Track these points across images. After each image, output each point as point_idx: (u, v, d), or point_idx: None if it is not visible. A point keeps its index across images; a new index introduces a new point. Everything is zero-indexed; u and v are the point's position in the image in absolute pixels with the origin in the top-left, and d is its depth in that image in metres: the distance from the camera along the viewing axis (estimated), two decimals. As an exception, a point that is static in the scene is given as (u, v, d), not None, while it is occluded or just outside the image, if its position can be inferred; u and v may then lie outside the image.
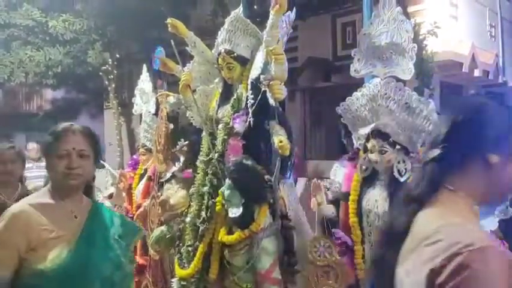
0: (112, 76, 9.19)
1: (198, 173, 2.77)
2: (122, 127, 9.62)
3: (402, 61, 2.16)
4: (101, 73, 9.25)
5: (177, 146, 3.17)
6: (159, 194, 3.11)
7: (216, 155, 2.64)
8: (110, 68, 9.08)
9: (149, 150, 3.55)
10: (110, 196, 3.83)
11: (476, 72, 7.20)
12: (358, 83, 2.46)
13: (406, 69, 2.15)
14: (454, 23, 7.21)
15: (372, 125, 2.16)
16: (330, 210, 2.36)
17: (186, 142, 3.19)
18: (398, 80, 2.16)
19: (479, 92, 8.79)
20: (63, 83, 10.09)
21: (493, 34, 8.61)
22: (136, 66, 8.22)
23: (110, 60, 8.97)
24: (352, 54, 2.32)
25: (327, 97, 7.32)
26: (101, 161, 4.26)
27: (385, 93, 2.16)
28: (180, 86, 2.88)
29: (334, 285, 2.22)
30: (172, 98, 3.14)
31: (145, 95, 3.58)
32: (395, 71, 2.17)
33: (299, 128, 7.80)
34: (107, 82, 9.41)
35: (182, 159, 3.23)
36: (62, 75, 9.11)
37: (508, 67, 8.85)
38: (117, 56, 9.09)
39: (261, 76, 2.46)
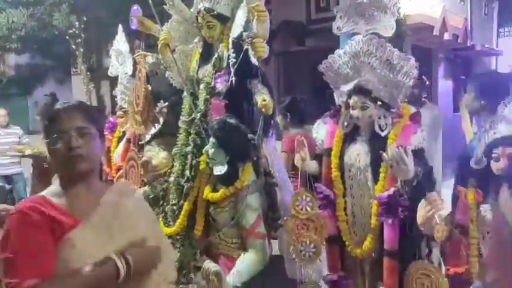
0: (79, 40, 8.89)
1: (180, 134, 2.77)
2: (92, 93, 9.40)
3: (384, 17, 2.19)
4: (67, 37, 8.92)
5: (157, 108, 3.15)
6: (140, 155, 3.10)
7: (199, 114, 2.64)
8: (77, 32, 8.77)
9: (127, 113, 3.50)
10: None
11: (446, 36, 7.34)
12: (333, 47, 2.49)
13: (388, 26, 2.18)
14: (426, -15, 7.27)
15: (354, 82, 2.20)
16: (313, 165, 2.43)
17: (166, 103, 3.17)
18: (380, 36, 2.19)
19: (448, 56, 9.00)
20: (28, 47, 9.69)
21: (462, -2, 8.75)
22: (105, 30, 7.97)
23: (77, 23, 8.64)
24: (335, 12, 2.33)
25: (301, 61, 7.33)
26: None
27: (367, 50, 2.19)
28: (159, 46, 2.83)
29: (314, 237, 2.32)
30: (150, 58, 3.09)
31: (121, 56, 3.49)
32: (377, 27, 2.20)
33: (274, 92, 7.81)
34: (74, 46, 9.10)
35: (161, 120, 3.21)
36: (26, 39, 8.74)
37: (475, 31, 9.06)
38: (85, 18, 8.76)
39: (244, 34, 2.45)
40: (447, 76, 8.95)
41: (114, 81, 3.73)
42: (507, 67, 11.50)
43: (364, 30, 2.23)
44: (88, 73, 9.16)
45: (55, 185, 1.43)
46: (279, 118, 3.58)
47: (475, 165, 2.03)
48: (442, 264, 2.28)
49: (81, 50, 9.03)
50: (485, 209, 2.00)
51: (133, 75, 3.31)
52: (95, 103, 9.56)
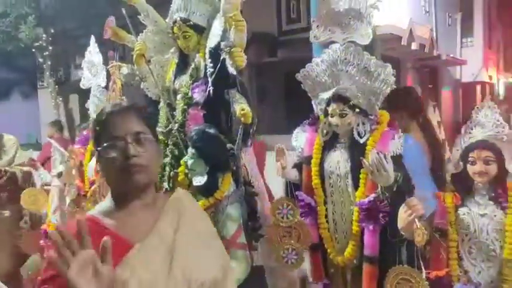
0: (47, 53, 8.69)
1: (157, 145, 2.73)
2: (60, 106, 9.19)
3: (360, 26, 2.22)
4: (34, 50, 8.71)
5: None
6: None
7: (176, 125, 2.61)
8: (44, 44, 8.57)
9: (100, 125, 3.42)
10: (59, 175, 3.68)
11: (414, 46, 7.55)
12: (305, 57, 2.51)
13: (365, 34, 2.22)
14: (393, -3, 7.48)
15: (333, 90, 2.23)
16: (293, 174, 2.43)
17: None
18: (356, 45, 2.23)
19: (414, 65, 9.26)
20: (-8, 61, 9.42)
21: (427, 9, 9.04)
22: (73, 42, 7.82)
23: (44, 35, 8.45)
24: (312, 21, 2.36)
25: (272, 72, 7.39)
26: (48, 139, 4.08)
27: (345, 58, 2.22)
28: (135, 57, 2.80)
29: (296, 245, 2.32)
30: (125, 69, 3.04)
31: (94, 67, 3.42)
32: (354, 36, 2.24)
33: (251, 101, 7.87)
34: (41, 59, 8.89)
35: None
36: (-9, 53, 8.50)
37: (440, 41, 9.36)
38: (52, 31, 8.58)
39: (222, 43, 2.44)
40: (415, 85, 9.18)
41: (83, 94, 3.65)
42: (471, 75, 11.94)
43: (341, 39, 2.26)
44: (56, 86, 8.95)
45: (108, 200, 1.26)
46: None
47: (452, 169, 2.08)
48: (423, 268, 2.31)
49: (49, 63, 8.83)
50: (463, 212, 2.04)
51: (106, 87, 3.25)
52: (63, 117, 9.34)
